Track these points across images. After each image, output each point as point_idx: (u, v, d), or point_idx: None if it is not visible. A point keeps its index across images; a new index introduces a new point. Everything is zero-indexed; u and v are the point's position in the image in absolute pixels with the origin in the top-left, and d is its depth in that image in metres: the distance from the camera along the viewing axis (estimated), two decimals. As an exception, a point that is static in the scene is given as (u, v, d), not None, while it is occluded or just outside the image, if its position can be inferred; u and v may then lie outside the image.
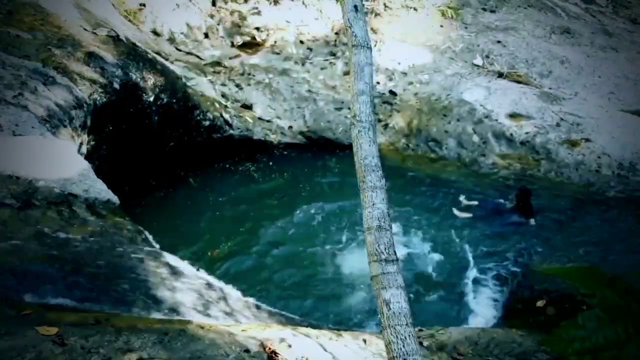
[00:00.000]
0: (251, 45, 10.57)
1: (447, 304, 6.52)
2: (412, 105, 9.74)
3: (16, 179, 4.75)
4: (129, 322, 3.38)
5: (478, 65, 10.60)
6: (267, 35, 10.72)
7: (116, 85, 6.96)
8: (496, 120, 9.09)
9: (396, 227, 7.46)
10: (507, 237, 7.37)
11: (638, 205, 7.77)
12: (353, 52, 1.77)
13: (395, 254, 1.80)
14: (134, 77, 7.30)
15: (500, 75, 10.28)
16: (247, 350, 3.32)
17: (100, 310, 3.72)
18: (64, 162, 5.39)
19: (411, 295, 6.17)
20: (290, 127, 9.30)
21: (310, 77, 10.08)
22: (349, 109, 7.81)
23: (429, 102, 9.73)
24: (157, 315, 3.86)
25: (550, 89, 10.05)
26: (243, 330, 3.66)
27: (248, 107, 9.23)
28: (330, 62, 10.49)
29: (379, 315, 1.60)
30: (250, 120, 9.04)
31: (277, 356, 3.33)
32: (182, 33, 10.20)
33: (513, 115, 9.19)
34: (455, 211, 7.71)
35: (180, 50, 9.90)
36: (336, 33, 10.95)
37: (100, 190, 5.36)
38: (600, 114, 9.22)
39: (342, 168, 8.85)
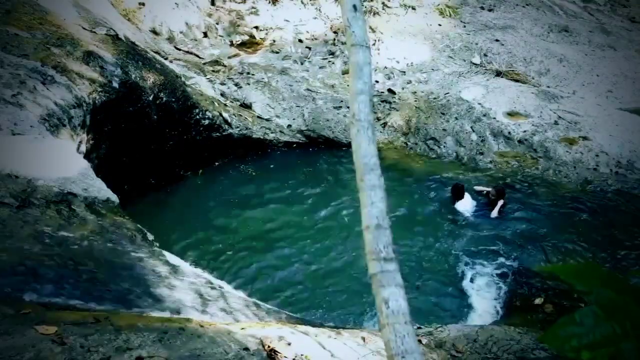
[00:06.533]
0: (250, 44, 10.59)
1: (445, 301, 6.54)
2: (410, 104, 9.75)
3: (15, 178, 4.74)
4: (129, 321, 3.38)
5: (476, 64, 10.61)
6: (266, 34, 10.74)
7: (115, 85, 6.96)
8: (494, 118, 9.11)
9: (395, 225, 7.45)
10: (505, 236, 7.39)
11: (636, 203, 7.79)
12: (352, 52, 1.78)
13: (394, 252, 1.81)
14: (133, 76, 7.30)
15: (499, 73, 10.30)
16: (246, 349, 3.33)
17: (100, 309, 3.72)
18: (63, 161, 5.39)
19: (409, 293, 6.19)
20: (290, 125, 9.30)
21: (309, 76, 10.09)
22: (348, 107, 7.81)
23: (428, 100, 9.74)
24: (156, 314, 3.86)
25: (548, 87, 10.08)
26: (242, 329, 3.66)
27: (247, 106, 9.23)
28: (329, 61, 10.50)
29: (378, 313, 1.62)
30: (250, 119, 9.05)
31: (277, 354, 3.34)
32: (181, 32, 10.20)
33: (511, 114, 9.21)
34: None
35: (179, 49, 9.91)
36: (335, 32, 10.96)
37: (100, 189, 5.36)
38: (598, 112, 9.24)
39: (340, 166, 8.86)
